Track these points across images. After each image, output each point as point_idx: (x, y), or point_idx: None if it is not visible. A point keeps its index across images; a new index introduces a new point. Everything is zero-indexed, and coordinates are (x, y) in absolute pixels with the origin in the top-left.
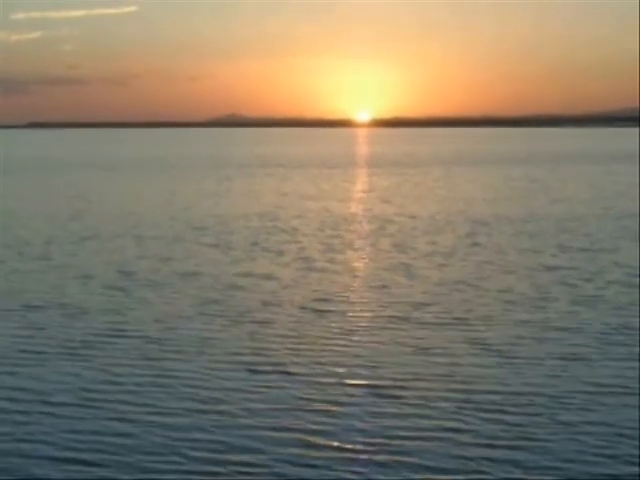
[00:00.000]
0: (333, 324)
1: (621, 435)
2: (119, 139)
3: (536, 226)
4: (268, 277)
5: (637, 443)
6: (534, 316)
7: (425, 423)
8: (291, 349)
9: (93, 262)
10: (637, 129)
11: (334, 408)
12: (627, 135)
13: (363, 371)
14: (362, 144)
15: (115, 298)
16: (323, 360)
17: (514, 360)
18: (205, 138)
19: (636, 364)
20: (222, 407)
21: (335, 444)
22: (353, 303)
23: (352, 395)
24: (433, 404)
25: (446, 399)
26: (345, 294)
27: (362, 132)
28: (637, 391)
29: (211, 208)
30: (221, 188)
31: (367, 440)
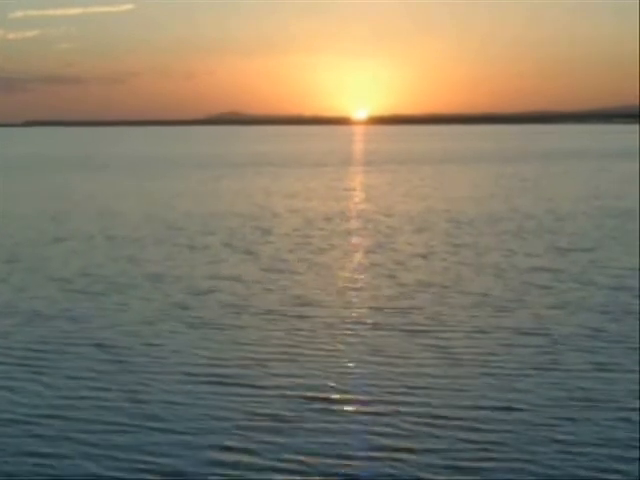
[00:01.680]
0: (297, 329)
1: (595, 446)
2: (116, 138)
3: (518, 225)
4: (237, 279)
5: (615, 453)
6: (507, 321)
7: (380, 439)
8: (248, 357)
9: (61, 265)
10: (636, 126)
11: (281, 421)
12: (625, 132)
13: (321, 381)
14: (358, 142)
15: (77, 303)
16: (278, 368)
17: (481, 369)
18: (202, 136)
19: (618, 374)
20: (160, 417)
21: (276, 460)
22: (321, 307)
23: (303, 407)
24: (392, 418)
25: (407, 413)
26: (314, 297)
27: (360, 130)
28: (619, 403)
29: (193, 207)
30: (208, 187)
31: (313, 457)
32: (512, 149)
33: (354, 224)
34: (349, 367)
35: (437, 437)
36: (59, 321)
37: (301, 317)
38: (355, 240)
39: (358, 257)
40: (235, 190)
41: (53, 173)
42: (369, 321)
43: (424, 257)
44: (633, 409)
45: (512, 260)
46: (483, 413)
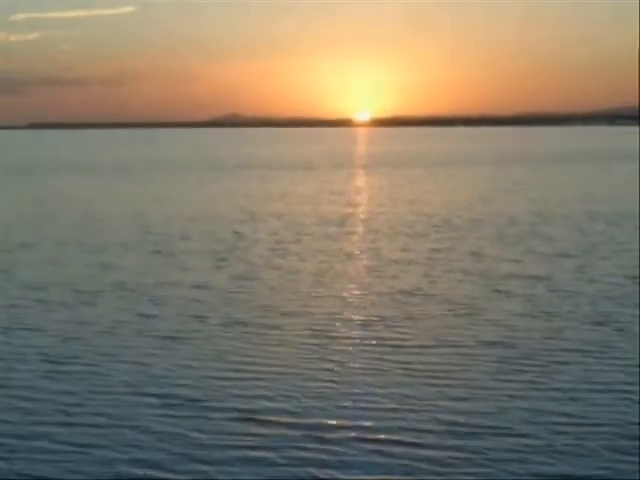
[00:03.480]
0: (261, 341)
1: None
2: (117, 140)
3: (501, 229)
4: (206, 288)
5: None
6: (477, 332)
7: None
8: (201, 369)
9: (29, 271)
10: (636, 127)
11: (223, 444)
12: (626, 134)
13: (271, 396)
14: (357, 144)
15: (36, 312)
16: (230, 383)
17: (444, 385)
18: (202, 139)
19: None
20: (89, 434)
21: None
22: (285, 316)
23: (241, 428)
24: (344, 442)
25: (362, 434)
26: (282, 307)
27: (361, 132)
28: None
29: (177, 211)
30: (195, 190)
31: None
32: (508, 151)
33: (335, 229)
34: (305, 385)
35: (393, 456)
36: (12, 331)
37: (267, 327)
38: (333, 246)
39: (329, 263)
40: (223, 193)
41: (46, 176)
42: (332, 333)
43: (400, 264)
44: (613, 424)
45: (489, 265)
46: (440, 429)
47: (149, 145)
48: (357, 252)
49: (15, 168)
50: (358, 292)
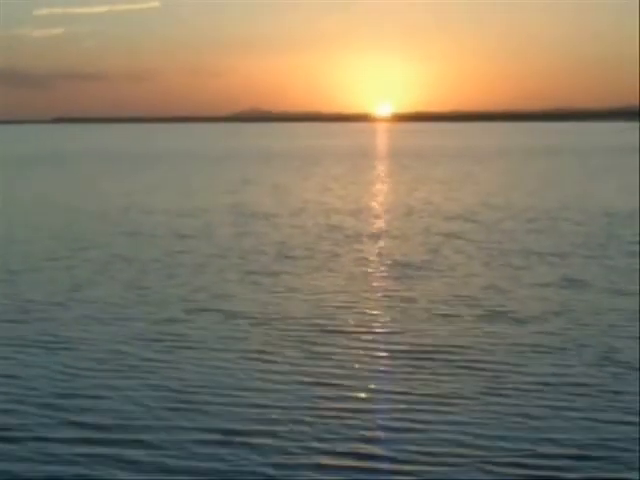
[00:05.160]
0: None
1: None
2: (136, 135)
3: (478, 228)
4: (142, 287)
5: None
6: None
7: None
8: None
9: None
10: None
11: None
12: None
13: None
14: (370, 139)
15: None
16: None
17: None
18: (218, 133)
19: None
20: None
21: None
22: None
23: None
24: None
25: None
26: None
27: (380, 127)
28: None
29: (143, 208)
30: (178, 183)
31: None
32: (512, 146)
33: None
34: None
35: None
36: None
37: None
38: (281, 244)
39: (278, 263)
40: (196, 187)
41: (52, 171)
42: (285, 341)
43: (359, 263)
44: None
45: (463, 267)
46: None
47: (166, 140)
48: (320, 251)
49: (39, 160)
50: (319, 298)
